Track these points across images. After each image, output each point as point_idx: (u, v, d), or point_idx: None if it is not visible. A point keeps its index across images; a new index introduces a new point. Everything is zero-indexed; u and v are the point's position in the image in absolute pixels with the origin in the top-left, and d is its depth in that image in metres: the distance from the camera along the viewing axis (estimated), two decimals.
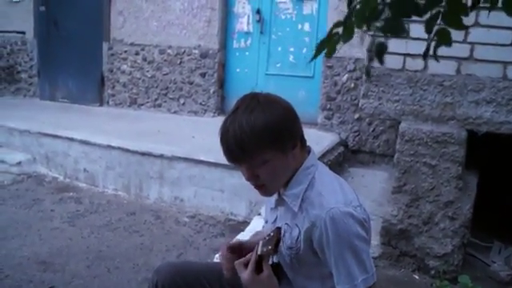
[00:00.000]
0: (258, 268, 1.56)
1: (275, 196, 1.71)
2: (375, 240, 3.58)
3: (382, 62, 1.40)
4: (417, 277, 3.46)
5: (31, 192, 4.83)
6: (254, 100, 1.56)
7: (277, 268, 1.66)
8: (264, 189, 1.62)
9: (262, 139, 1.50)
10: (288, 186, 1.63)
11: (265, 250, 1.51)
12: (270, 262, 1.59)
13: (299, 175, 1.62)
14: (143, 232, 4.02)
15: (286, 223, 1.63)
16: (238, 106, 1.57)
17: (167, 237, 3.95)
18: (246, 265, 1.58)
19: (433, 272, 3.43)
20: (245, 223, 3.99)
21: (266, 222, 1.80)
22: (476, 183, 3.57)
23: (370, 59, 1.35)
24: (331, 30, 1.31)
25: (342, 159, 4.95)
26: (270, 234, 1.55)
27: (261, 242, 1.55)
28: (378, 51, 1.38)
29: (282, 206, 1.69)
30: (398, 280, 3.41)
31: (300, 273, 1.65)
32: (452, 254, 3.38)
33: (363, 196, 1.48)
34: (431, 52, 1.33)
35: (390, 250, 3.55)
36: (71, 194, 4.84)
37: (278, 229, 1.57)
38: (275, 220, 1.72)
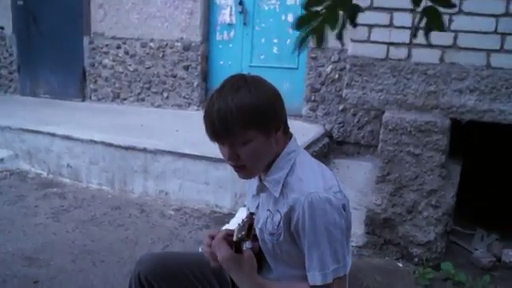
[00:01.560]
0: (237, 252, 1.56)
1: (257, 182, 1.71)
2: (359, 229, 3.60)
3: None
4: (400, 265, 3.49)
5: (14, 188, 4.78)
6: (240, 79, 1.56)
7: (257, 255, 1.66)
8: (244, 170, 1.61)
9: (245, 118, 1.49)
10: (269, 172, 1.63)
11: (239, 236, 1.51)
12: (245, 248, 1.58)
13: (280, 161, 1.62)
14: (128, 226, 4.00)
15: (268, 209, 1.63)
16: (224, 84, 1.56)
17: (152, 230, 3.93)
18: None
19: (416, 260, 3.47)
20: (230, 215, 3.98)
21: (248, 209, 1.79)
22: (459, 171, 3.61)
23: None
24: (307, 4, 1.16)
25: (327, 150, 4.96)
26: (243, 220, 1.55)
27: (236, 228, 1.54)
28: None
29: (263, 193, 1.68)
30: (382, 268, 3.44)
31: (281, 260, 1.65)
32: (435, 242, 3.42)
33: (348, 187, 1.49)
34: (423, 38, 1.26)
35: (375, 239, 3.58)
36: (55, 189, 4.80)
37: (251, 214, 1.56)
38: (257, 207, 1.72)
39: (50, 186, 4.88)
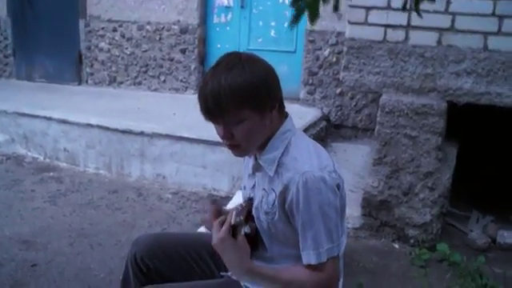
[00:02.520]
0: (233, 236, 1.56)
1: (252, 162, 1.71)
2: (356, 211, 3.61)
3: None
4: (397, 246, 3.52)
5: (11, 173, 4.78)
6: (235, 57, 1.55)
7: (253, 236, 1.67)
8: (238, 149, 1.61)
9: (239, 97, 1.48)
10: (264, 151, 1.62)
11: (238, 220, 1.51)
12: (242, 233, 1.58)
13: (275, 140, 1.61)
14: (126, 209, 4.01)
15: (264, 188, 1.63)
16: (219, 62, 1.55)
17: (150, 213, 3.95)
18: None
19: (412, 241, 3.49)
20: (227, 198, 3.99)
21: (244, 188, 1.79)
22: (455, 154, 3.61)
23: None
24: None
25: (325, 134, 4.96)
26: (242, 205, 1.55)
27: (234, 212, 1.54)
28: None
29: (259, 172, 1.68)
30: (378, 249, 3.46)
31: (277, 239, 1.65)
32: (431, 224, 3.43)
33: (345, 170, 1.49)
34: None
35: (371, 221, 3.59)
36: (52, 173, 4.80)
37: (250, 200, 1.57)
38: (253, 186, 1.72)
39: (47, 170, 4.88)
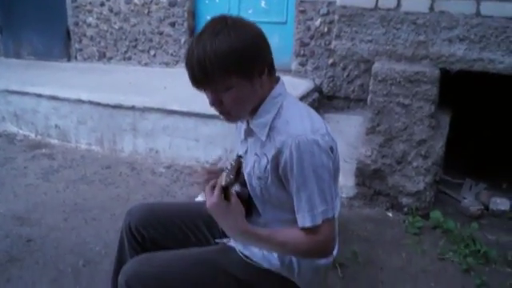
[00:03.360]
0: (226, 199, 1.56)
1: (244, 127, 1.70)
2: (350, 181, 3.62)
3: None
4: (390, 214, 3.54)
5: (2, 151, 4.75)
6: (221, 23, 1.51)
7: (246, 200, 1.66)
8: (228, 115, 1.60)
9: (225, 64, 1.46)
10: (255, 115, 1.61)
11: (228, 180, 1.50)
12: (233, 192, 1.58)
13: (267, 104, 1.60)
14: (119, 184, 4.00)
15: (256, 153, 1.63)
16: (204, 28, 1.53)
17: (143, 187, 3.94)
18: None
19: (406, 209, 3.51)
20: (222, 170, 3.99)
21: (237, 154, 1.78)
22: (448, 122, 3.61)
23: None
24: None
25: (317, 105, 4.94)
26: (231, 164, 1.54)
27: (224, 173, 1.54)
28: None
29: (251, 137, 1.67)
30: (372, 218, 3.48)
31: (270, 204, 1.66)
32: (424, 192, 3.45)
33: (338, 141, 1.48)
34: None
35: (365, 190, 3.61)
36: (44, 150, 4.77)
37: (239, 157, 1.56)
38: (246, 152, 1.71)
39: (39, 147, 4.85)
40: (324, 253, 1.62)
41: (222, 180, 1.54)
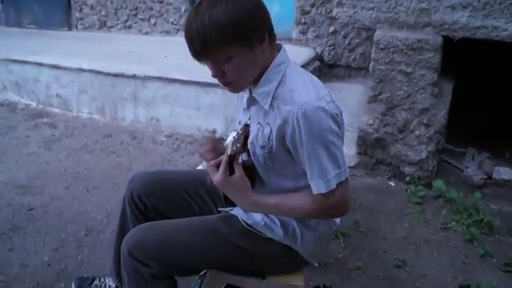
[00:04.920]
0: (231, 169, 1.56)
1: (247, 95, 1.68)
2: (352, 150, 3.62)
3: None
4: (392, 183, 3.54)
5: (4, 120, 4.75)
6: None
7: (250, 169, 1.66)
8: (232, 86, 1.58)
9: (224, 34, 1.43)
10: (258, 84, 1.59)
11: (234, 149, 1.49)
12: (240, 161, 1.57)
13: (269, 73, 1.58)
14: (120, 153, 4.00)
15: (259, 122, 1.61)
16: (202, 0, 1.50)
17: (145, 156, 3.95)
18: (217, 167, 1.57)
19: (408, 178, 3.51)
20: (222, 140, 3.98)
21: (239, 123, 1.77)
22: (451, 90, 3.58)
23: None
24: None
25: (318, 74, 4.90)
26: (237, 133, 1.53)
27: (230, 143, 1.52)
28: None
29: (253, 106, 1.66)
30: (374, 187, 3.49)
31: (274, 172, 1.65)
32: (427, 161, 3.44)
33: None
34: None
35: (367, 159, 3.60)
36: (45, 119, 4.78)
37: (246, 126, 1.54)
38: (248, 120, 1.70)
39: (40, 116, 4.85)
40: (339, 214, 1.65)
41: (229, 149, 1.53)
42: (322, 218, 1.69)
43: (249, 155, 1.67)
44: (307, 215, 1.63)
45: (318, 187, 1.52)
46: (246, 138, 1.49)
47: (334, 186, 1.51)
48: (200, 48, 1.46)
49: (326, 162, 1.49)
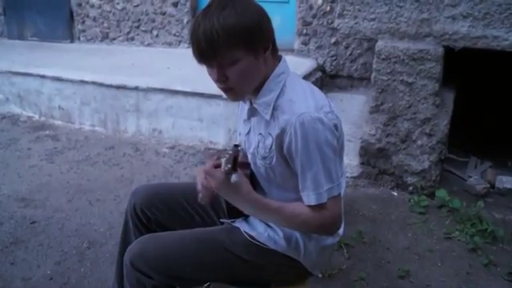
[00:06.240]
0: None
1: (247, 106, 1.68)
2: (354, 160, 3.61)
3: None
4: (395, 193, 3.53)
5: (6, 132, 4.76)
6: None
7: (251, 181, 1.65)
8: (232, 92, 1.58)
9: (232, 37, 1.44)
10: (259, 94, 1.60)
11: (226, 168, 1.48)
12: (232, 181, 1.53)
13: (270, 83, 1.59)
14: (123, 165, 4.00)
15: (260, 133, 1.62)
16: (210, 3, 1.51)
17: (147, 168, 3.95)
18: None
19: (411, 188, 3.50)
20: (224, 151, 3.98)
21: (240, 134, 1.77)
22: (453, 99, 3.58)
23: None
24: None
25: (320, 84, 4.91)
26: (228, 153, 1.51)
27: (223, 161, 1.51)
28: None
29: (254, 117, 1.66)
30: (377, 198, 3.48)
31: (275, 183, 1.65)
32: (429, 170, 3.43)
33: (342, 120, 1.46)
34: None
35: (369, 170, 3.60)
36: (47, 132, 4.78)
37: (235, 146, 1.53)
38: (249, 131, 1.71)
39: (43, 128, 4.86)
40: (331, 229, 1.61)
41: (222, 167, 1.52)
42: (313, 230, 1.64)
43: (248, 168, 1.67)
44: (305, 226, 1.59)
45: (308, 199, 1.52)
46: (236, 158, 1.48)
47: (325, 200, 1.51)
48: (206, 49, 1.46)
49: (320, 174, 1.49)
